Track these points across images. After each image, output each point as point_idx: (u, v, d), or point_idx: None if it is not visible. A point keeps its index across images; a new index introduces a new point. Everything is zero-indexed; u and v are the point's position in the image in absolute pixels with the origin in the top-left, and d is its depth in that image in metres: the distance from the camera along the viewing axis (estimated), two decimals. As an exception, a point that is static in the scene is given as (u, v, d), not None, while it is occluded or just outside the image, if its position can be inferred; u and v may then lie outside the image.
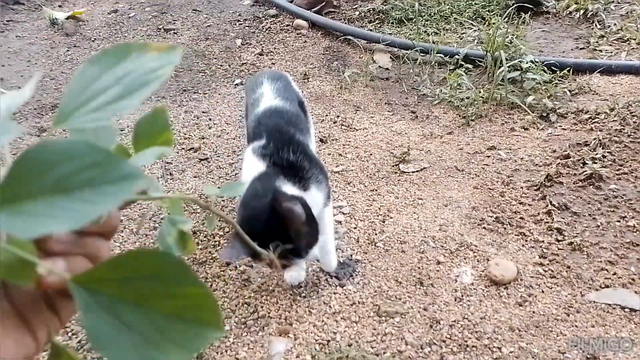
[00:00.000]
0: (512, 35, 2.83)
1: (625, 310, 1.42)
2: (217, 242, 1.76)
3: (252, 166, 1.39)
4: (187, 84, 2.87)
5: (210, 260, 1.69)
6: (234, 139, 2.34)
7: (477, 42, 3.04)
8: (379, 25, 3.42)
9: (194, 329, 0.36)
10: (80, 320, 0.35)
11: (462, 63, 2.80)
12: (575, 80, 2.62)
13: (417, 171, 2.09)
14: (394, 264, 1.64)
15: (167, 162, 2.18)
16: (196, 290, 0.37)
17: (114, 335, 0.35)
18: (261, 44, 3.25)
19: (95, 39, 3.55)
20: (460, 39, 3.15)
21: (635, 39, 2.91)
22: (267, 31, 3.41)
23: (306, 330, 1.43)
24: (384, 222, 1.82)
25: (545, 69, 2.60)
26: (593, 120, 2.27)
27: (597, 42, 2.97)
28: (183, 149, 2.28)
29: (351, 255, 1.67)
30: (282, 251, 1.13)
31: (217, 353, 1.38)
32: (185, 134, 2.37)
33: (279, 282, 1.59)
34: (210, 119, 2.50)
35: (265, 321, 1.46)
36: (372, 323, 1.44)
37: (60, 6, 4.18)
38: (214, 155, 2.22)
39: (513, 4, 3.21)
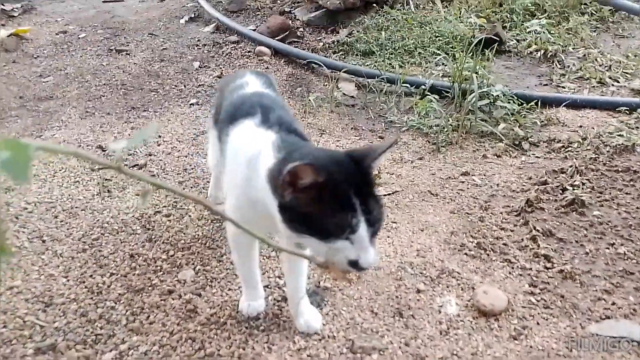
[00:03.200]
0: (478, 66, 2.80)
1: (633, 344, 1.25)
2: (159, 267, 1.48)
3: (255, 137, 1.12)
4: (136, 101, 2.62)
5: (149, 288, 1.40)
6: (186, 156, 2.09)
7: (442, 75, 3.00)
8: (343, 57, 3.33)
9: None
10: None
11: (428, 94, 2.72)
12: (542, 112, 2.58)
13: (388, 194, 1.91)
14: (368, 292, 1.41)
15: (106, 179, 1.90)
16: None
17: None
18: (220, 67, 3.07)
19: (38, 56, 3.28)
20: (425, 71, 3.10)
21: (595, 78, 2.94)
22: (227, 56, 3.25)
23: (265, 370, 1.16)
24: (355, 246, 1.60)
25: (514, 99, 2.55)
26: (566, 149, 2.19)
27: (559, 79, 2.99)
28: (126, 165, 2.00)
29: (319, 282, 1.43)
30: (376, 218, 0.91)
31: (150, 401, 1.09)
32: (129, 150, 2.10)
33: (232, 314, 1.32)
34: (160, 136, 2.25)
35: (213, 360, 1.19)
36: (345, 361, 1.19)
37: (3, 25, 3.89)
38: (162, 173, 1.97)
39: (477, 41, 3.22)
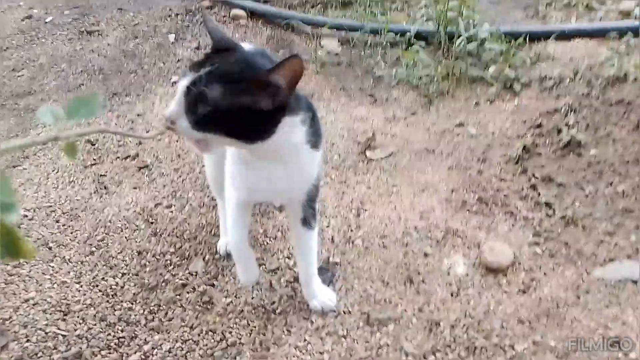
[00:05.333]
0: (462, 6, 2.71)
1: (638, 284, 1.29)
2: (169, 261, 1.50)
3: None
4: (117, 86, 2.55)
5: (162, 284, 1.42)
6: (177, 141, 2.06)
7: (427, 19, 2.91)
8: (322, 10, 3.21)
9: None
10: None
11: (414, 41, 2.65)
12: (531, 48, 2.52)
13: (385, 157, 1.91)
14: (377, 262, 1.44)
15: (101, 175, 1.88)
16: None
17: None
18: (197, 38, 2.97)
19: (7, 47, 3.14)
20: (409, 16, 3.00)
21: (582, 3, 2.87)
22: (202, 24, 3.12)
23: (287, 354, 1.20)
24: (358, 216, 1.61)
25: (502, 38, 2.49)
26: (558, 86, 2.17)
27: (545, 9, 2.91)
28: (118, 157, 1.98)
29: (328, 258, 1.46)
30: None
31: (182, 398, 1.13)
32: (119, 141, 2.07)
33: (248, 300, 1.35)
34: (147, 122, 2.20)
35: (236, 350, 1.23)
36: (363, 335, 1.23)
37: (-37, 15, 3.71)
38: (155, 162, 1.94)
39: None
